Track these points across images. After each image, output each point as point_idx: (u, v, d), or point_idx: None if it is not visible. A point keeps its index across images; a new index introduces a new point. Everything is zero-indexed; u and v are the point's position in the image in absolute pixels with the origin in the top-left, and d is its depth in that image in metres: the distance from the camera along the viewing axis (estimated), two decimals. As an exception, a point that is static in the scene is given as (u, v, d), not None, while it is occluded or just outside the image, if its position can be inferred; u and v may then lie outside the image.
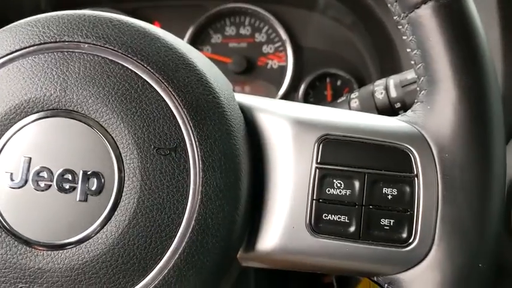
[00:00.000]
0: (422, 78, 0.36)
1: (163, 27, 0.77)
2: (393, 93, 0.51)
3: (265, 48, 0.76)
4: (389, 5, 0.37)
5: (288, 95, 0.75)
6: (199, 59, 0.37)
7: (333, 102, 0.57)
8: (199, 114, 0.34)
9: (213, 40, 0.77)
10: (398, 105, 0.51)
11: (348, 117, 0.37)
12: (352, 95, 0.54)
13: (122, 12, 0.76)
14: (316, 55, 0.75)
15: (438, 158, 0.34)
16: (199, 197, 0.33)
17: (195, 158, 0.33)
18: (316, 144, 0.35)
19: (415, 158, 0.34)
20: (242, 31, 0.76)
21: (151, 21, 0.77)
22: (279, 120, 0.37)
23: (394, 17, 0.37)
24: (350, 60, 0.74)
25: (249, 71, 0.76)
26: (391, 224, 0.34)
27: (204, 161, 0.33)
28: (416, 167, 0.34)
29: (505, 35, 0.52)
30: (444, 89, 0.35)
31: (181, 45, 0.36)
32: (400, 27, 0.37)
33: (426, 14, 0.35)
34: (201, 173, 0.33)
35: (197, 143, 0.33)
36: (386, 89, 0.51)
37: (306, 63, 0.75)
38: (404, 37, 0.37)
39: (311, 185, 0.35)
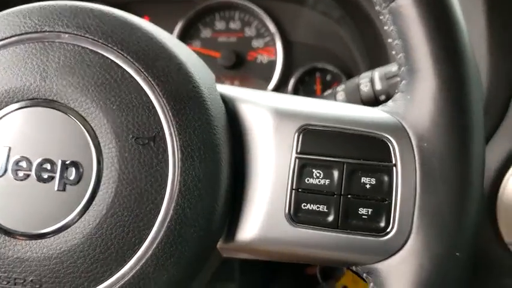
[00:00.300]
0: (402, 68, 0.36)
1: (153, 21, 0.77)
2: (378, 86, 0.51)
3: (255, 43, 0.76)
4: None
5: (278, 90, 0.75)
6: (180, 49, 0.37)
7: (319, 95, 0.57)
8: (179, 104, 0.34)
9: (203, 34, 0.77)
10: (383, 97, 0.52)
11: (329, 108, 0.37)
12: (338, 88, 0.54)
13: (113, 6, 0.76)
14: (306, 50, 0.75)
15: (417, 148, 0.34)
16: (177, 187, 0.33)
17: (174, 147, 0.33)
18: (296, 134, 0.36)
19: (393, 148, 0.35)
20: (232, 25, 0.76)
21: (141, 16, 0.77)
22: (260, 111, 0.37)
23: (376, 8, 0.38)
24: (339, 55, 0.74)
25: (238, 65, 0.76)
26: (369, 213, 0.34)
27: (183, 151, 0.33)
28: (395, 157, 0.34)
29: (490, 27, 0.52)
30: (424, 78, 0.35)
31: (162, 35, 0.36)
32: (381, 17, 0.37)
33: (407, 4, 0.35)
34: (179, 163, 0.33)
35: (176, 132, 0.33)
36: (372, 81, 0.51)
37: (295, 58, 0.75)
38: (385, 27, 0.37)
39: (291, 175, 0.35)
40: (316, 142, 0.35)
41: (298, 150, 0.35)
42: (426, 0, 0.35)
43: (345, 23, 0.72)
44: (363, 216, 0.34)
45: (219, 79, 0.77)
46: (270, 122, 0.36)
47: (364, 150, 0.35)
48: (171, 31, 0.75)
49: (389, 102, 0.38)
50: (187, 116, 0.34)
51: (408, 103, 0.36)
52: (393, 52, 0.37)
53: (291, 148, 0.35)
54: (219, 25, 0.76)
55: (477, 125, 0.34)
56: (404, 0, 0.35)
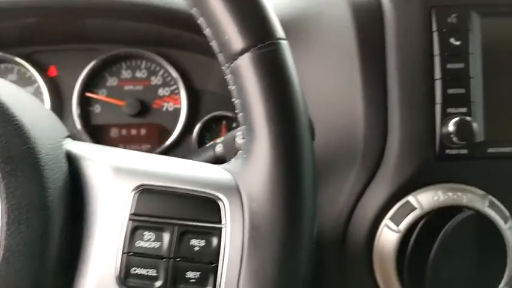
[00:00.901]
0: (243, 126, 0.37)
1: (59, 70, 0.77)
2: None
3: (161, 91, 0.77)
4: (217, 55, 0.38)
5: (183, 137, 0.75)
6: (24, 106, 0.36)
7: (203, 147, 0.57)
8: (9, 166, 0.33)
9: (109, 83, 0.77)
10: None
11: (168, 166, 0.37)
12: (218, 140, 0.54)
13: (19, 56, 0.76)
14: (212, 98, 0.76)
15: (247, 208, 0.35)
16: (1, 253, 0.32)
17: (1, 211, 0.33)
18: (132, 194, 0.35)
19: (225, 208, 0.35)
20: (138, 74, 0.77)
21: (48, 65, 0.77)
22: (101, 168, 0.37)
23: (222, 67, 0.38)
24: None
25: (143, 113, 0.76)
26: (197, 276, 0.34)
27: (10, 215, 0.33)
28: (226, 218, 0.35)
29: (365, 84, 0.54)
30: (259, 137, 0.35)
31: (4, 93, 0.36)
32: (226, 77, 0.38)
33: (244, 64, 0.36)
34: (4, 227, 0.32)
35: (4, 195, 0.33)
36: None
37: (201, 106, 0.76)
38: (229, 86, 0.38)
39: (122, 237, 0.35)
40: (151, 202, 0.35)
41: (133, 211, 0.35)
42: (261, 61, 0.36)
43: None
44: (191, 280, 0.34)
45: (125, 127, 0.77)
46: (109, 180, 0.36)
47: (196, 211, 0.35)
48: (76, 80, 0.75)
49: (232, 160, 0.38)
50: (17, 178, 0.33)
51: (244, 162, 0.36)
52: (236, 111, 0.38)
53: (125, 208, 0.35)
54: (126, 74, 0.77)
55: (308, 186, 0.35)
56: (242, 60, 0.36)
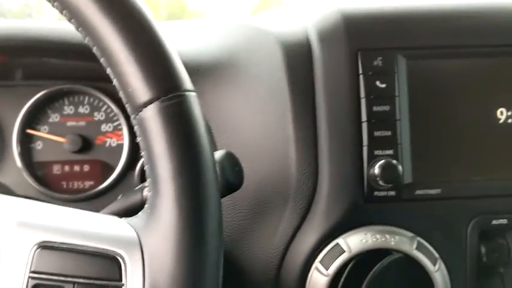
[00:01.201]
0: (149, 179, 0.36)
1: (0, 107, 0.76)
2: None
3: (104, 127, 0.76)
4: (125, 106, 0.38)
5: (126, 174, 0.74)
6: None
7: (132, 190, 0.56)
8: None
9: (51, 119, 0.75)
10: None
11: (71, 220, 0.36)
12: (146, 183, 0.53)
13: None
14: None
15: (148, 266, 0.34)
16: None
17: None
18: (33, 250, 0.34)
19: (125, 266, 0.34)
20: (81, 110, 0.76)
21: (-13, 100, 0.75)
22: (5, 222, 0.36)
23: (131, 118, 0.38)
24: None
25: (86, 149, 0.75)
26: (93, 338, 0.33)
27: None
28: (126, 276, 0.34)
29: (296, 127, 0.54)
30: (162, 193, 0.35)
31: None
32: (134, 128, 0.38)
33: (148, 116, 0.35)
34: None
35: None
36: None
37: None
38: (137, 138, 0.38)
39: None
40: (51, 260, 0.34)
41: (32, 269, 0.34)
42: (166, 113, 0.35)
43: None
44: None
45: (68, 164, 0.75)
46: (11, 235, 0.35)
47: (96, 268, 0.34)
48: (16, 116, 0.74)
49: (139, 214, 0.37)
50: None
51: (148, 217, 0.36)
52: (144, 163, 0.38)
53: (26, 265, 0.34)
54: (68, 110, 0.76)
55: (212, 242, 0.34)
56: (148, 112, 0.36)
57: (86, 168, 0.76)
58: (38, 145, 0.76)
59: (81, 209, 0.69)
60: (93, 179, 0.76)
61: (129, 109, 0.37)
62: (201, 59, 0.65)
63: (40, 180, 0.74)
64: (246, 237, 0.57)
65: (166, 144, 0.35)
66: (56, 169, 0.76)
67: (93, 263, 0.34)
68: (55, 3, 0.38)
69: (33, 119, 0.75)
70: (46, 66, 0.74)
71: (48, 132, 0.75)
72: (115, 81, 0.37)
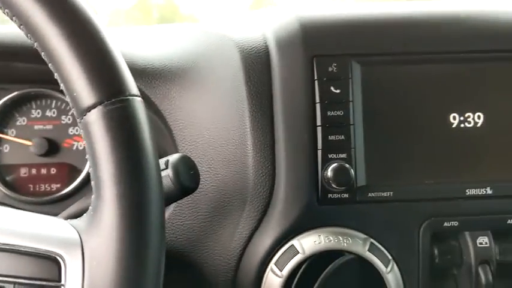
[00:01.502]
0: (92, 182, 0.37)
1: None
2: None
3: (72, 130, 0.76)
4: (72, 110, 0.39)
5: (93, 177, 0.74)
6: None
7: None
8: None
9: (18, 122, 0.76)
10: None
11: (12, 220, 0.37)
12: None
13: None
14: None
15: (87, 266, 0.34)
16: None
17: None
18: None
19: (65, 266, 0.35)
20: (48, 113, 0.76)
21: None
22: None
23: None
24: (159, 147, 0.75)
25: (53, 152, 0.75)
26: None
27: None
28: (65, 276, 0.34)
29: (253, 132, 0.55)
30: (103, 196, 0.36)
31: None
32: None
33: (91, 121, 0.36)
34: None
35: None
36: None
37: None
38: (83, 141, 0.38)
39: None
40: (-6, 261, 0.35)
41: None
42: (109, 118, 0.36)
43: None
44: None
45: (35, 167, 0.75)
46: None
47: (36, 269, 0.35)
48: (-17, 120, 0.74)
49: (83, 215, 0.38)
50: None
51: (90, 219, 0.36)
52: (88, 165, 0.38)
53: None
54: (35, 113, 0.76)
55: (153, 246, 0.35)
56: (91, 116, 0.36)
57: (53, 171, 0.76)
58: (5, 148, 0.76)
59: (47, 211, 0.70)
60: (60, 181, 0.76)
61: (75, 112, 0.38)
62: (169, 63, 0.66)
63: (6, 183, 0.74)
64: (206, 239, 0.58)
65: (108, 148, 0.35)
66: (23, 172, 0.76)
67: (33, 263, 0.35)
68: (5, 10, 0.38)
69: (1, 122, 0.75)
70: (13, 70, 0.74)
71: (16, 136, 0.76)
72: (62, 86, 0.38)
